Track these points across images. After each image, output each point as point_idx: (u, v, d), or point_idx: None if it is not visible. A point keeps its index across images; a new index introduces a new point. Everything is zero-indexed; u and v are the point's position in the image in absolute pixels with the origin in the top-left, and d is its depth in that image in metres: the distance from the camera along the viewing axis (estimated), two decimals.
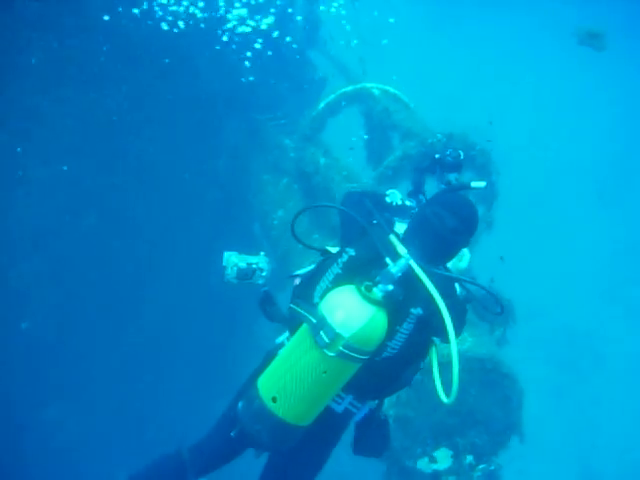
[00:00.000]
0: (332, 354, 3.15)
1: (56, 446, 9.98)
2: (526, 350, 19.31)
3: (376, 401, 3.70)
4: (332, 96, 8.88)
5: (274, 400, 3.24)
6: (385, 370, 3.48)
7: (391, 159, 7.40)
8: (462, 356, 5.79)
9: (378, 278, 3.29)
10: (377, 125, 8.35)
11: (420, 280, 3.31)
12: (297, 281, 3.78)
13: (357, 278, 3.31)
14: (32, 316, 9.86)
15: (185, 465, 3.85)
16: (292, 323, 3.49)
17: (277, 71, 11.62)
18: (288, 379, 3.23)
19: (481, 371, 6.43)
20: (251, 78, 11.35)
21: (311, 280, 3.62)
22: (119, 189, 10.51)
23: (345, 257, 3.52)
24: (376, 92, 8.59)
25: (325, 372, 3.21)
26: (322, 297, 3.37)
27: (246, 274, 4.24)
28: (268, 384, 3.31)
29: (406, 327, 3.41)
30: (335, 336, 3.14)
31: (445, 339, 3.31)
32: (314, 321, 3.22)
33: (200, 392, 10.77)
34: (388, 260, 3.37)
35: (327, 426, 3.57)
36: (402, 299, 3.32)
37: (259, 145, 11.06)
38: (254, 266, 4.26)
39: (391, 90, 8.78)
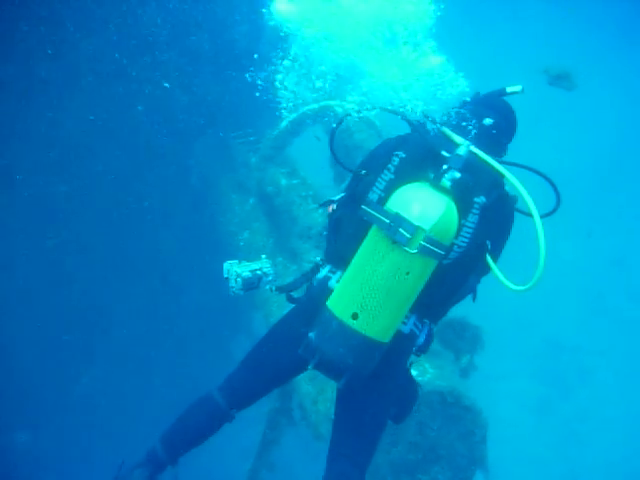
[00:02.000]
0: (414, 250, 3.09)
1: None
2: (511, 363, 19.15)
3: (433, 326, 3.63)
4: (294, 115, 8.59)
5: (355, 317, 3.15)
6: (450, 277, 3.42)
7: (349, 180, 7.10)
8: (422, 389, 5.58)
9: (445, 167, 3.28)
10: (340, 144, 8.06)
11: (484, 163, 3.38)
12: (332, 207, 3.78)
13: (412, 179, 3.30)
14: None
15: (221, 408, 3.82)
16: (336, 255, 3.57)
17: (247, 87, 11.37)
18: (368, 291, 3.14)
19: (442, 405, 6.15)
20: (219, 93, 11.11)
21: (355, 198, 3.56)
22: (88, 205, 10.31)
23: (396, 160, 3.46)
24: (339, 110, 8.31)
25: (408, 273, 3.14)
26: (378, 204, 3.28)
27: (252, 283, 4.04)
28: (343, 303, 3.21)
29: (471, 219, 3.37)
30: (415, 230, 3.07)
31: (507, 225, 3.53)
32: (387, 221, 3.12)
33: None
34: (445, 152, 3.36)
35: (395, 350, 3.43)
36: (470, 185, 3.31)
37: (228, 163, 10.80)
38: (259, 272, 4.07)
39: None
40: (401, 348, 3.51)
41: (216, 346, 11.35)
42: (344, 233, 3.63)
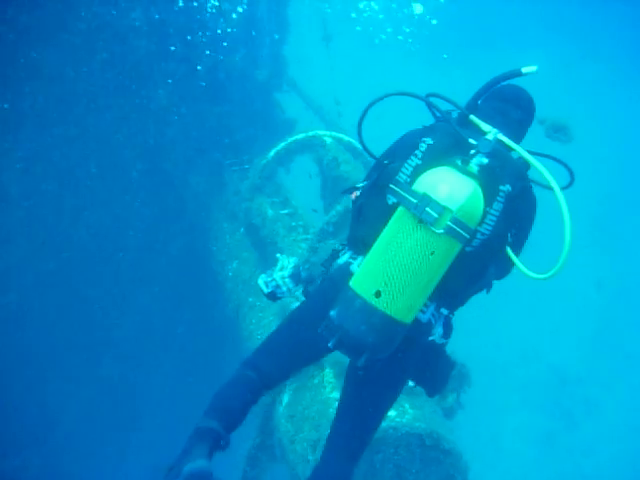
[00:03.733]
0: (440, 230, 3.12)
1: None
2: (516, 395, 18.92)
3: (451, 316, 3.63)
4: (282, 144, 8.48)
5: (378, 295, 3.16)
6: (470, 265, 3.43)
7: (332, 214, 6.97)
8: (399, 431, 5.37)
9: (473, 151, 3.34)
10: (328, 175, 7.93)
11: (510, 153, 3.46)
12: (356, 194, 3.79)
13: (439, 165, 3.33)
14: None
15: (255, 381, 3.83)
16: (358, 240, 3.61)
17: (243, 113, 11.32)
18: (392, 269, 3.16)
19: (421, 448, 5.90)
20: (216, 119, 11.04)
21: (379, 185, 3.58)
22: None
23: (424, 146, 3.50)
24: (328, 140, 8.18)
25: (432, 253, 3.16)
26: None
27: (298, 274, 4.14)
28: (367, 281, 3.22)
29: (496, 207, 3.39)
30: (442, 210, 3.11)
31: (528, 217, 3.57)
32: (415, 201, 3.16)
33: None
34: (472, 140, 3.41)
35: (411, 338, 3.45)
36: (497, 172, 3.35)
37: (220, 191, 10.68)
38: (292, 266, 4.22)
39: (345, 138, 8.40)
40: (417, 336, 3.53)
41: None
42: (367, 219, 3.64)
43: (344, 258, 3.74)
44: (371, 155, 3.88)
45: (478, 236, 3.39)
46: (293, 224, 8.49)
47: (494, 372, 17.44)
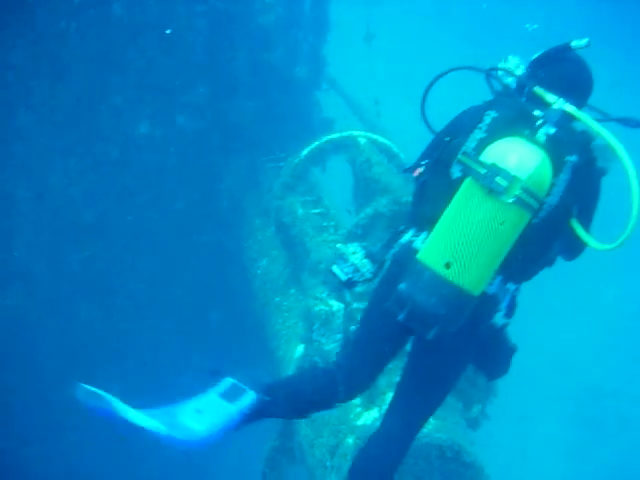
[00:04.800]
0: (510, 200, 3.12)
1: None
2: (547, 405, 18.65)
3: (517, 293, 3.64)
4: (316, 143, 8.39)
5: (447, 266, 3.17)
6: (537, 237, 3.42)
7: (361, 217, 6.88)
8: (419, 441, 5.26)
9: (540, 121, 3.36)
10: (360, 176, 7.83)
11: (575, 124, 3.47)
12: (419, 171, 3.76)
13: (505, 136, 3.34)
14: None
15: (335, 378, 3.80)
16: (421, 217, 3.60)
17: (282, 109, 11.27)
18: (461, 240, 3.17)
19: (441, 459, 5.78)
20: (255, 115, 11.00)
21: (442, 161, 3.60)
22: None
23: (488, 119, 3.51)
24: (362, 141, 8.08)
25: (502, 223, 3.17)
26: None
27: (372, 254, 3.94)
28: (436, 252, 3.24)
29: (563, 178, 3.39)
30: (512, 179, 3.11)
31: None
32: (483, 171, 3.18)
33: None
34: (537, 112, 3.41)
35: (479, 311, 3.42)
36: (564, 142, 3.35)
37: (254, 187, 10.63)
38: (362, 247, 4.02)
39: (380, 140, 8.28)
40: (485, 309, 3.53)
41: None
42: (431, 195, 3.63)
43: (407, 237, 3.71)
44: (431, 130, 3.87)
45: (545, 207, 3.38)
46: (324, 224, 8.41)
47: (524, 380, 17.19)
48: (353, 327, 6.49)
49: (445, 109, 4.25)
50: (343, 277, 3.95)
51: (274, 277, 8.68)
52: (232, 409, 3.50)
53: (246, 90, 10.88)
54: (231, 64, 10.61)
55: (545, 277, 3.74)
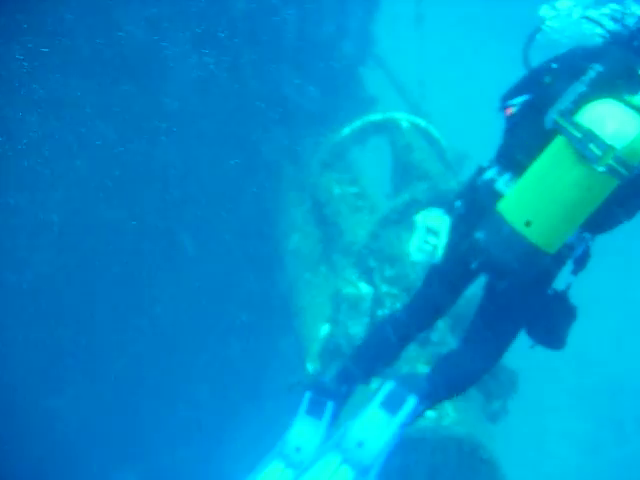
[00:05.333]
0: (602, 169, 3.04)
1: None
2: (567, 399, 18.56)
3: (592, 243, 3.65)
4: (358, 122, 8.31)
5: (528, 224, 3.17)
6: (621, 198, 3.31)
7: (398, 202, 6.83)
8: (437, 434, 5.26)
9: None
10: (399, 160, 7.75)
11: None
12: (511, 110, 3.70)
13: (606, 95, 3.21)
14: None
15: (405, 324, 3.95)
16: (508, 157, 3.54)
17: (325, 84, 11.16)
18: (545, 201, 3.16)
19: (458, 453, 5.76)
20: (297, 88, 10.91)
21: (536, 105, 3.49)
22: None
23: (593, 73, 3.32)
24: (404, 125, 7.98)
25: (589, 189, 3.12)
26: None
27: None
28: (518, 209, 3.24)
29: None
30: (607, 148, 3.02)
31: None
32: (579, 135, 3.08)
33: None
34: None
35: (555, 258, 3.43)
36: None
37: (294, 160, 10.56)
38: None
39: (422, 124, 8.18)
40: (559, 257, 3.51)
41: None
42: (522, 139, 3.56)
43: (489, 174, 3.66)
44: (528, 66, 3.80)
45: (636, 173, 3.25)
46: (360, 204, 8.36)
47: (545, 373, 17.11)
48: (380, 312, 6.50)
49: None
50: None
51: (305, 253, 8.63)
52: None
53: (291, 60, 10.77)
54: (278, 33, 10.48)
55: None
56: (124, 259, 9.98)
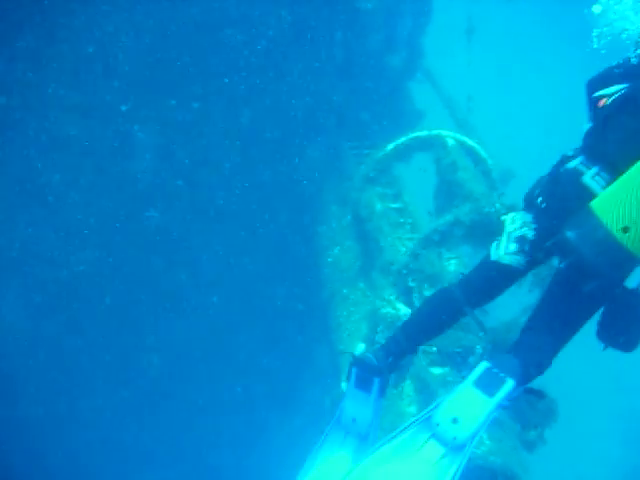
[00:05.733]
0: None
1: None
2: (605, 424, 18.24)
3: None
4: (403, 139, 8.19)
5: (625, 230, 3.01)
6: None
7: (441, 223, 6.70)
8: (472, 462, 5.11)
9: None
10: (444, 178, 7.63)
11: None
12: (604, 101, 3.53)
13: None
14: None
15: (458, 298, 3.86)
16: (598, 151, 3.42)
17: (372, 98, 11.07)
18: None
19: None
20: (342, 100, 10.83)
21: (633, 100, 3.39)
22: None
23: None
24: (450, 142, 7.85)
25: None
26: None
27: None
28: (615, 212, 3.06)
29: None
30: None
31: None
32: None
33: None
34: None
35: None
36: None
37: (336, 173, 10.47)
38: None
39: (468, 142, 8.03)
40: None
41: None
42: (616, 135, 3.41)
43: (574, 163, 3.53)
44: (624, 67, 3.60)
45: None
46: (401, 220, 8.26)
47: (583, 397, 16.86)
48: None
49: None
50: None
51: (344, 267, 8.55)
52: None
53: (338, 72, 10.69)
54: (326, 44, 10.41)
55: None
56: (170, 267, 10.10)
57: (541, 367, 3.66)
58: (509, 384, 3.42)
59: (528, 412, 6.62)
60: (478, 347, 6.44)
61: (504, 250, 3.70)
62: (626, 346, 3.65)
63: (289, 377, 11.17)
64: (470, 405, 3.41)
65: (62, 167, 9.24)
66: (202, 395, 10.84)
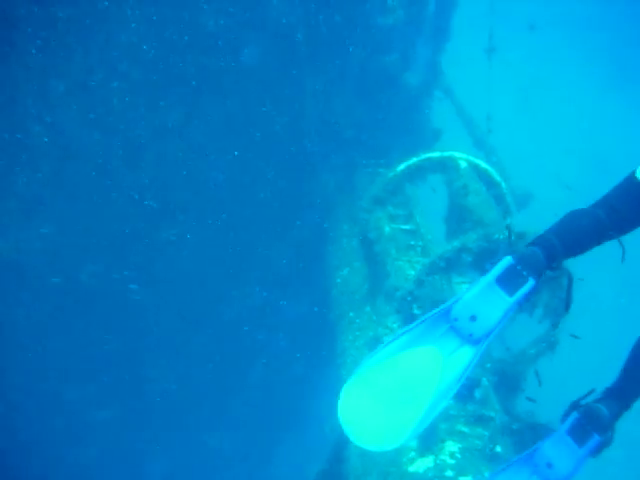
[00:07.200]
0: None
1: None
2: (622, 451, 17.85)
3: None
4: (414, 159, 7.97)
5: None
6: None
7: (447, 249, 6.46)
8: None
9: None
10: (455, 201, 7.41)
11: None
12: None
13: None
14: None
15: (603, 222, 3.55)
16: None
17: (389, 114, 10.89)
18: None
19: None
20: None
21: None
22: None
23: None
24: (463, 165, 7.63)
25: None
26: None
27: None
28: None
29: None
30: None
31: None
32: None
33: None
34: None
35: None
36: None
37: (348, 190, 10.28)
38: None
39: (482, 165, 7.79)
40: None
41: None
42: None
43: None
44: None
45: None
46: (412, 242, 8.04)
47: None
48: None
49: None
50: None
51: (352, 290, 8.33)
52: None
53: (355, 89, 10.53)
54: (343, 61, 10.25)
55: None
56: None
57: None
58: (530, 283, 3.34)
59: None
60: (484, 379, 6.22)
61: None
62: None
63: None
64: (490, 304, 3.36)
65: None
66: (211, 413, 10.77)
